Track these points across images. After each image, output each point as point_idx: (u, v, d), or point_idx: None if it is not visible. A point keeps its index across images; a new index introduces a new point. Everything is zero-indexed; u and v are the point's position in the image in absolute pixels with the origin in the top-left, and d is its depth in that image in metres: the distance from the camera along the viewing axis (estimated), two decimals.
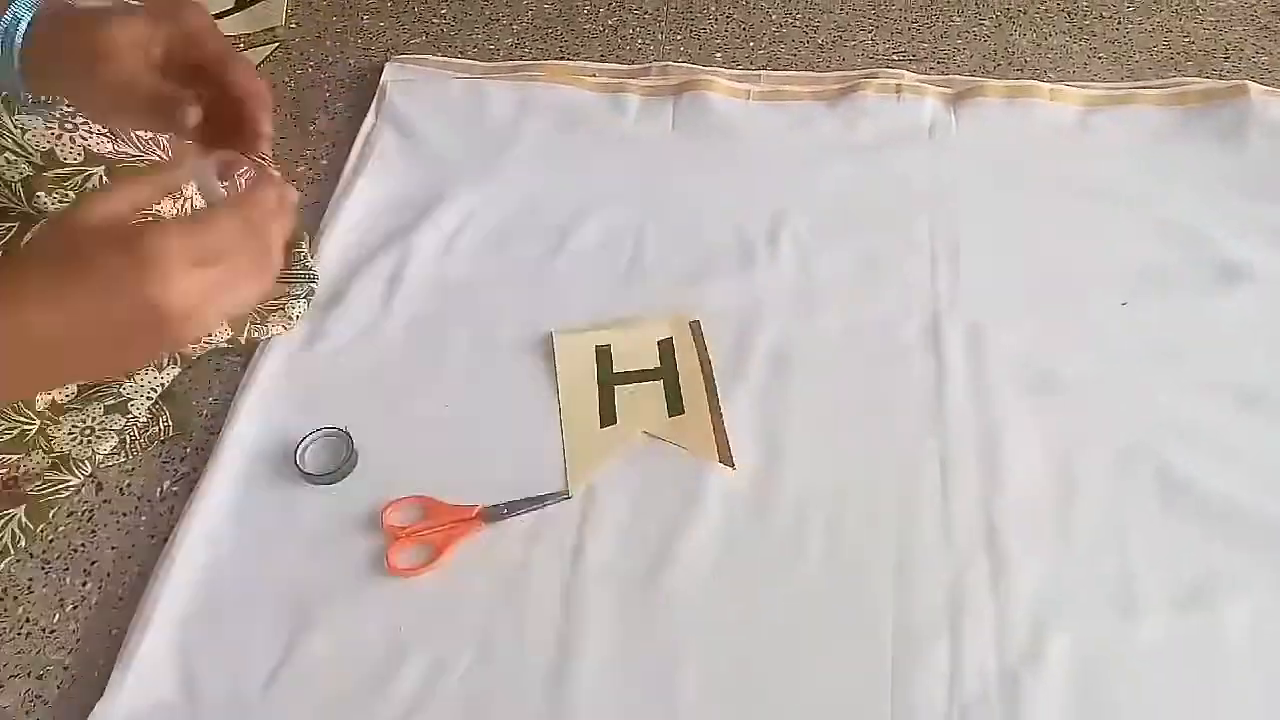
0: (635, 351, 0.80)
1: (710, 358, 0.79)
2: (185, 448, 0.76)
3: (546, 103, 1.00)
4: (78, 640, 0.66)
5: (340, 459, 0.72)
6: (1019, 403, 0.75)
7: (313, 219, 0.93)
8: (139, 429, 0.74)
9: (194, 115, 0.50)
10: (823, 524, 0.69)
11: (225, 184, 0.51)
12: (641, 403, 0.77)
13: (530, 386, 0.78)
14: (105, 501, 0.73)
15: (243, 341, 0.79)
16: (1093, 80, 1.02)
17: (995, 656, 0.62)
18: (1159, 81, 1.00)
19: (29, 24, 0.51)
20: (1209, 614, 0.63)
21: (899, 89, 0.99)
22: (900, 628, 0.64)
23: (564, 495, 0.71)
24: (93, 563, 0.70)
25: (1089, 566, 0.66)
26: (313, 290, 0.83)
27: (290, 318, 0.81)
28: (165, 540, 0.69)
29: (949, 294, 0.82)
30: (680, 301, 0.83)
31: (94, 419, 0.73)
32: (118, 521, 0.72)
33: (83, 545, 0.71)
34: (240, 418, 0.75)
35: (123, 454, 0.75)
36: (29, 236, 0.52)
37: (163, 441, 0.76)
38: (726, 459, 0.73)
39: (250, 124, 0.51)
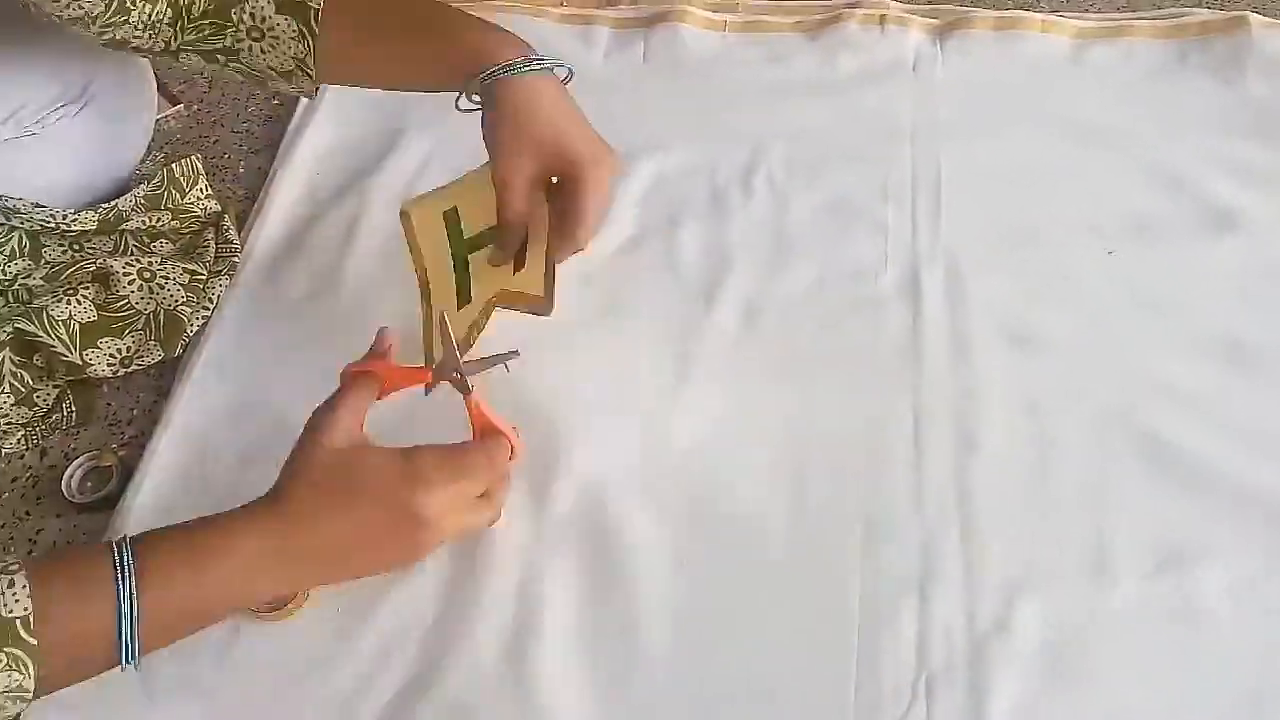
0: (482, 206, 0.68)
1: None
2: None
3: None
4: None
5: None
6: (998, 358, 0.72)
7: (265, 162, 0.89)
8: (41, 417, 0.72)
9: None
10: (790, 483, 0.66)
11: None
12: (490, 267, 0.69)
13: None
14: None
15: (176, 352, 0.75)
16: (1088, 10, 0.97)
17: (965, 623, 0.60)
18: (1155, 11, 0.95)
19: None
20: (1184, 583, 0.61)
21: (883, 19, 0.94)
22: (867, 593, 0.62)
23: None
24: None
25: (1063, 530, 0.64)
26: (234, 265, 0.80)
27: (211, 300, 0.77)
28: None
29: (929, 241, 0.79)
30: (650, 253, 0.79)
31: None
32: None
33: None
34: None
35: (25, 444, 0.71)
36: (291, 463, 0.55)
37: (65, 430, 0.73)
38: (548, 306, 0.72)
39: (579, 215, 0.65)
